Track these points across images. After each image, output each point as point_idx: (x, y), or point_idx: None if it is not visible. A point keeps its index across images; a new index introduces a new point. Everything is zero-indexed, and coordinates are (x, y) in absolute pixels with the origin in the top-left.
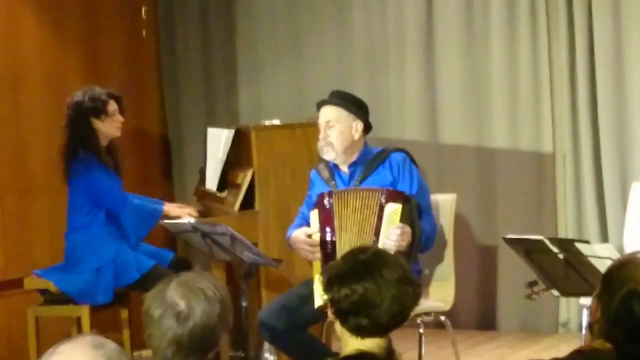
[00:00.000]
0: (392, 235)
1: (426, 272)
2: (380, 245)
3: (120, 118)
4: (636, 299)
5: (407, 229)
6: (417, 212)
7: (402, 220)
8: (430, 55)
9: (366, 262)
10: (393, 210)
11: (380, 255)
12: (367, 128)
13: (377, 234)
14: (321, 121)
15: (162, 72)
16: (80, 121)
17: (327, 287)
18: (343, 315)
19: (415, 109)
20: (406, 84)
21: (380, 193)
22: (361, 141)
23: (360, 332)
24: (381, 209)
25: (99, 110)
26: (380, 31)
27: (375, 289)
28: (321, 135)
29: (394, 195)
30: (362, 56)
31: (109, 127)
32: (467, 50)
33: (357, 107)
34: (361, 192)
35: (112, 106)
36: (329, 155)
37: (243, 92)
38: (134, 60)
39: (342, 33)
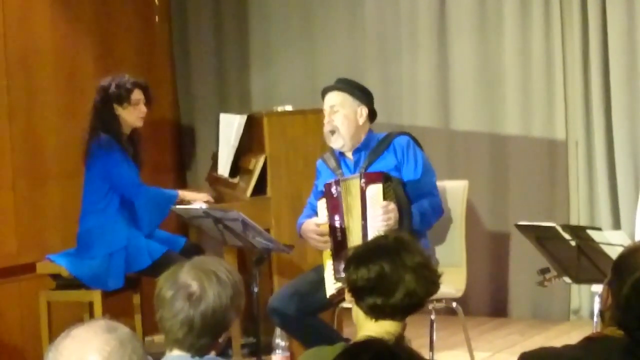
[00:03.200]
0: (377, 216)
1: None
2: (370, 228)
3: (143, 108)
4: None
5: (392, 206)
6: (401, 189)
7: (385, 199)
8: (442, 41)
9: (386, 245)
10: (375, 191)
11: (402, 241)
12: (373, 115)
13: (364, 217)
14: (326, 107)
15: (174, 58)
16: (104, 106)
17: (346, 267)
18: (359, 294)
19: (428, 96)
20: (418, 71)
21: (359, 178)
22: (366, 127)
23: (374, 312)
24: (363, 192)
25: (122, 97)
26: (392, 17)
27: (393, 268)
28: (326, 120)
29: (373, 177)
30: (374, 42)
31: (131, 115)
32: (480, 36)
33: (361, 92)
34: (353, 179)
35: (137, 95)
36: (337, 143)
37: (255, 78)
38: (147, 46)
39: (355, 19)
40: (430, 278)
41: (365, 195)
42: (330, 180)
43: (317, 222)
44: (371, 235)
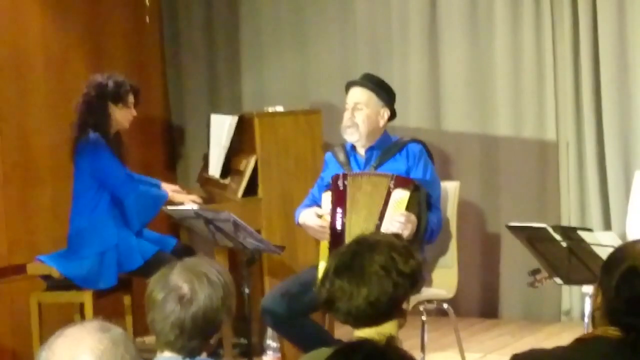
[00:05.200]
0: (395, 222)
1: (432, 276)
2: (383, 230)
3: (134, 112)
4: (635, 274)
5: (412, 217)
6: (425, 202)
7: (408, 208)
8: (434, 42)
9: (347, 254)
10: (400, 197)
11: (365, 245)
12: (392, 115)
13: (381, 218)
14: (349, 102)
15: (165, 58)
16: (98, 102)
17: (317, 282)
18: (327, 307)
19: (419, 97)
20: (410, 72)
21: (389, 178)
22: (383, 128)
23: (347, 322)
24: (388, 194)
25: (119, 96)
26: (384, 18)
27: (350, 280)
28: (347, 116)
29: (403, 182)
30: (365, 43)
31: (123, 116)
32: (471, 38)
33: (387, 94)
34: (372, 177)
35: (132, 98)
36: (352, 137)
37: (246, 78)
38: (138, 47)
39: (346, 20)
40: (394, 283)
41: (390, 197)
42: (339, 172)
43: (318, 212)
44: None
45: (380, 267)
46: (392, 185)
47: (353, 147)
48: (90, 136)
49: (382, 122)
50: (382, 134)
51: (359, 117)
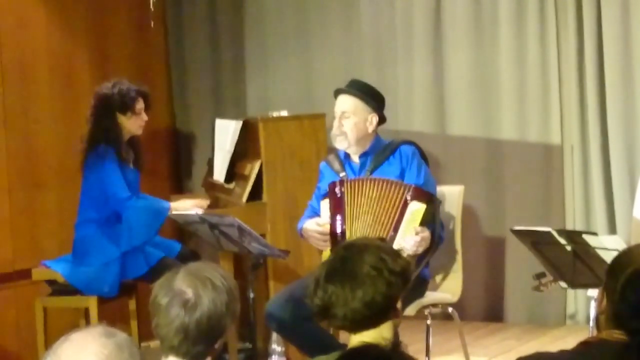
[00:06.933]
0: (409, 240)
1: (437, 280)
2: (396, 243)
3: (145, 117)
4: None
5: (427, 233)
6: (438, 215)
7: (422, 221)
8: (438, 46)
9: (337, 260)
10: (416, 209)
11: (353, 249)
12: (381, 120)
13: (395, 229)
14: (337, 110)
15: (170, 63)
16: (106, 114)
17: (309, 292)
18: (322, 315)
19: (423, 101)
20: (414, 76)
21: (406, 189)
22: (373, 133)
23: (344, 328)
24: (405, 205)
25: (126, 106)
26: (388, 23)
27: (344, 285)
28: (335, 124)
29: (420, 195)
30: (370, 48)
31: (133, 124)
32: (476, 41)
33: (374, 100)
34: (383, 183)
35: (140, 104)
36: (341, 144)
37: (251, 83)
38: (142, 52)
39: (350, 24)
40: (388, 279)
41: (406, 209)
42: (335, 180)
43: (319, 222)
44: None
45: (371, 268)
46: (409, 197)
47: (347, 155)
48: (100, 148)
49: (370, 128)
50: (374, 138)
51: (346, 125)
